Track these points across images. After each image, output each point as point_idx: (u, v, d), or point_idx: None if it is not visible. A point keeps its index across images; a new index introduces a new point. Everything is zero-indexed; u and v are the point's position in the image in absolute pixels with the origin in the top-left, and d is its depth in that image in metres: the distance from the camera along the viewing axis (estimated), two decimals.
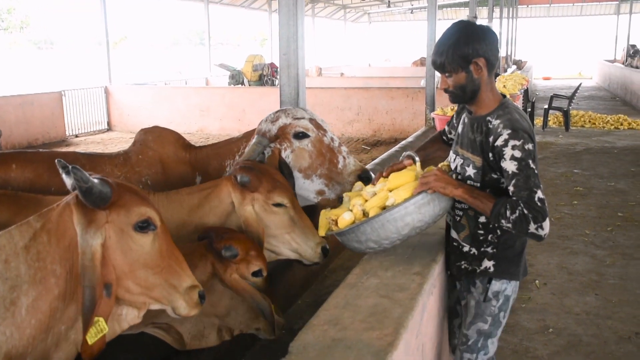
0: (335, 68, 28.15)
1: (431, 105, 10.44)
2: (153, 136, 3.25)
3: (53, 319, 1.89)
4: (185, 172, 3.33)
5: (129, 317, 2.09)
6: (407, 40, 45.78)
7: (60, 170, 2.07)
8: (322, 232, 2.66)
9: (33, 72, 40.19)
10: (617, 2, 32.54)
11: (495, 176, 2.42)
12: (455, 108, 2.82)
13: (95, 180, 1.91)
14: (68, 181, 2.05)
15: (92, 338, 1.88)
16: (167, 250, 2.10)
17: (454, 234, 2.67)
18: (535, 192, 2.24)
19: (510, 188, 2.29)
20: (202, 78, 21.20)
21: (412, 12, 35.20)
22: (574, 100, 13.99)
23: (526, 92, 13.98)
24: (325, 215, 2.66)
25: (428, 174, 2.41)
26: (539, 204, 2.23)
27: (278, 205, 2.87)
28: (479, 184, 2.46)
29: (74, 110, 14.94)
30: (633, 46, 26.39)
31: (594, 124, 14.58)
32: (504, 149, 2.30)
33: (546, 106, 13.79)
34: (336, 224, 2.56)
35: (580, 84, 16.20)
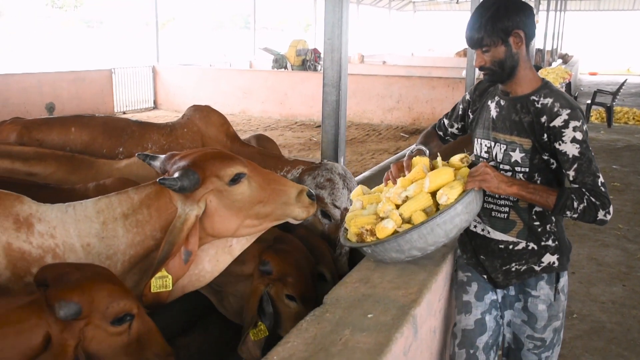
0: (377, 56, 28.16)
1: None
2: (201, 114, 3.48)
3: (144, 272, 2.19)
4: None
5: (240, 245, 2.38)
6: (451, 31, 45.30)
7: (144, 159, 2.41)
8: (352, 238, 2.37)
9: (83, 50, 41.21)
10: None
11: (545, 157, 2.27)
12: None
13: (181, 175, 2.13)
14: (156, 164, 2.36)
15: (155, 288, 2.11)
16: (264, 181, 2.29)
17: (498, 236, 2.42)
18: (598, 177, 2.15)
19: (571, 173, 2.18)
20: (246, 61, 21.55)
21: (457, 2, 34.80)
22: (618, 97, 13.84)
23: (568, 85, 13.89)
24: (355, 225, 2.36)
25: (477, 170, 2.23)
26: (602, 189, 2.14)
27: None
28: (527, 169, 2.30)
29: (122, 88, 15.44)
30: None
31: (638, 121, 14.39)
32: (563, 130, 2.16)
33: (589, 101, 13.68)
34: (371, 234, 2.29)
35: (626, 80, 15.98)
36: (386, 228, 2.24)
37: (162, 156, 2.37)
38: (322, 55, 19.81)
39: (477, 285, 2.55)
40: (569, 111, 2.17)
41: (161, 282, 2.11)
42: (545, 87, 2.28)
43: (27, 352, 1.71)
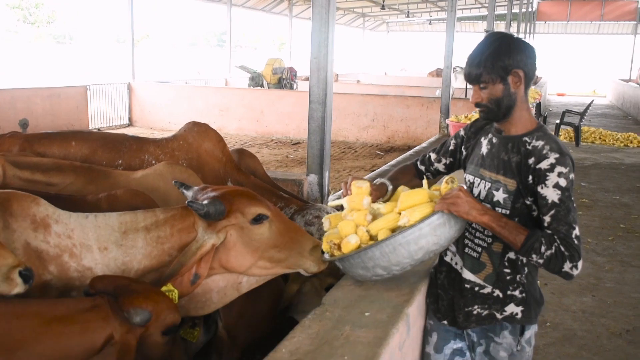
0: (351, 75, 28.57)
1: (446, 114, 10.82)
2: (198, 129, 3.63)
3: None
4: (218, 170, 3.63)
5: (248, 284, 2.50)
6: (424, 51, 46.20)
7: (179, 187, 2.58)
8: (325, 248, 2.40)
9: (53, 66, 40.94)
10: (635, 22, 32.81)
11: (528, 202, 2.19)
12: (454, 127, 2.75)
13: (209, 203, 2.29)
14: (188, 194, 2.52)
15: None
16: (284, 228, 2.43)
17: (467, 275, 2.35)
18: (574, 229, 2.08)
19: (546, 219, 2.11)
20: (222, 79, 21.67)
21: (430, 23, 35.61)
22: (585, 117, 14.30)
23: (538, 105, 14.34)
24: (326, 239, 2.38)
25: (450, 193, 2.17)
26: (576, 241, 2.07)
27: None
28: (508, 211, 2.22)
29: (98, 104, 15.46)
30: None
31: (604, 140, 14.86)
32: (548, 174, 2.10)
33: (558, 121, 14.11)
34: (339, 248, 2.28)
35: (592, 100, 16.51)
36: (349, 243, 2.23)
37: (196, 187, 2.54)
38: (297, 74, 20.04)
39: (437, 336, 2.50)
40: (557, 156, 2.11)
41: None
42: (539, 130, 2.23)
43: (89, 349, 1.95)
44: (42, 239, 2.23)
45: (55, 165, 3.27)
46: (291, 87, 18.65)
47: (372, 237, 2.25)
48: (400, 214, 2.25)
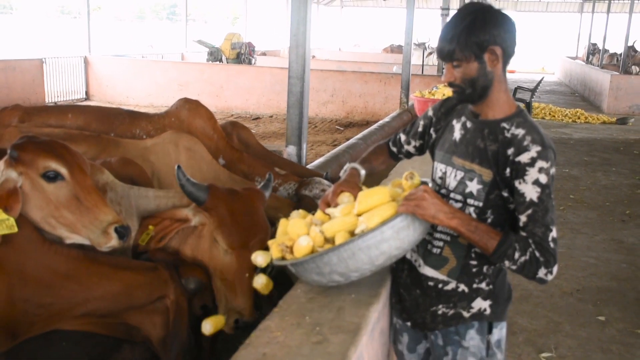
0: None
1: (406, 90, 11.13)
2: (190, 106, 3.76)
3: None
4: (210, 146, 3.69)
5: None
6: (378, 27, 46.43)
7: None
8: (275, 254, 2.11)
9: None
10: (581, 1, 33.75)
11: (504, 194, 2.01)
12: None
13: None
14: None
15: None
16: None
17: (427, 271, 2.18)
18: (551, 231, 1.92)
19: (522, 218, 1.94)
20: (178, 53, 21.48)
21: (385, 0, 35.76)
22: (536, 93, 14.87)
23: None
24: (275, 243, 2.14)
25: (414, 194, 1.96)
26: (552, 245, 1.91)
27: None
28: (481, 203, 2.04)
29: (54, 78, 15.20)
30: (594, 44, 27.55)
31: (554, 116, 15.50)
32: (528, 168, 1.91)
33: None
34: (291, 251, 2.05)
35: (543, 77, 17.13)
36: (300, 246, 2.00)
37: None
38: (256, 49, 19.98)
39: (408, 337, 2.38)
40: (539, 149, 1.91)
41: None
42: (519, 116, 2.02)
43: (144, 299, 2.41)
44: None
45: (67, 136, 3.44)
46: (249, 62, 18.66)
47: (328, 240, 2.02)
48: (357, 216, 2.02)
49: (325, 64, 20.11)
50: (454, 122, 2.18)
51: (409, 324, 2.32)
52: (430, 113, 2.33)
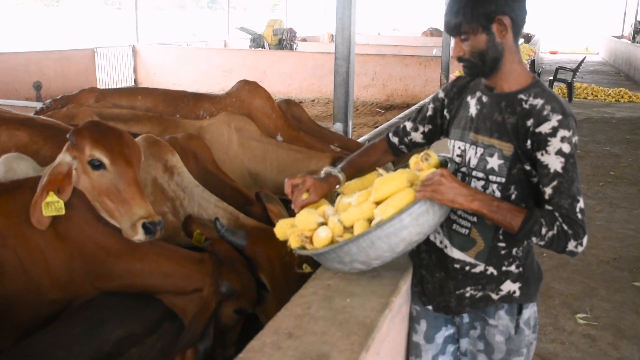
0: None
1: (446, 71, 11.31)
2: (250, 87, 4.08)
3: None
4: (268, 125, 4.00)
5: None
6: (417, 11, 46.25)
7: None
8: (294, 245, 2.08)
9: (44, 29, 40.89)
10: None
11: (527, 168, 1.93)
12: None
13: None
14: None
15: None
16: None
17: (455, 254, 2.11)
18: (578, 201, 1.84)
19: (547, 190, 1.86)
20: (221, 41, 21.96)
21: None
22: (578, 73, 14.82)
23: (532, 62, 14.81)
24: (288, 227, 2.13)
25: (431, 178, 1.89)
26: (579, 216, 1.83)
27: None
28: (503, 179, 1.96)
29: (104, 67, 15.82)
30: None
31: (596, 96, 15.42)
32: (550, 138, 1.83)
33: (551, 78, 14.62)
34: (311, 241, 2.04)
35: (585, 57, 17.00)
36: (319, 237, 1.99)
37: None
38: (297, 35, 20.30)
39: (426, 324, 2.29)
40: (560, 117, 1.83)
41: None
42: (536, 86, 1.94)
43: (182, 289, 2.50)
44: (166, 180, 2.87)
45: (133, 116, 3.83)
46: (291, 48, 19.00)
47: (347, 229, 2.01)
48: (375, 204, 1.98)
49: (365, 48, 20.28)
50: (469, 98, 2.10)
51: (430, 307, 2.24)
52: (442, 95, 2.24)
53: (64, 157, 2.44)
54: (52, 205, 2.31)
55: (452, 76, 10.04)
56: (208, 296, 2.46)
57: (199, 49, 18.22)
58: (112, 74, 16.14)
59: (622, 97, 15.18)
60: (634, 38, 26.27)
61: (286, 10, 26.01)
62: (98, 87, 15.26)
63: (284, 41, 18.61)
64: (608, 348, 3.95)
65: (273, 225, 2.27)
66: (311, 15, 41.20)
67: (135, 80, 16.95)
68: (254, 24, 22.76)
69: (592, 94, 15.54)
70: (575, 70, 14.44)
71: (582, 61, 15.23)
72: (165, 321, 2.50)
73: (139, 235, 2.36)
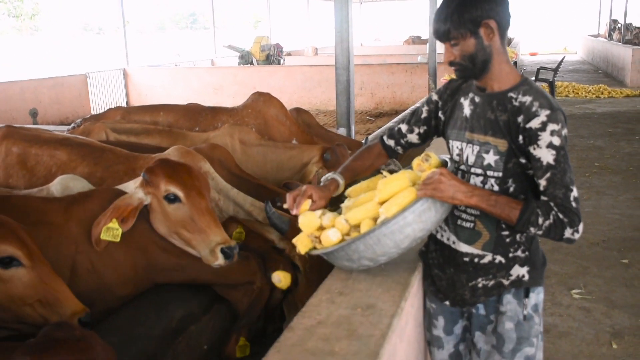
0: (329, 48, 29.15)
1: (434, 76, 11.75)
2: (264, 98, 4.46)
3: None
4: (283, 131, 4.39)
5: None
6: (396, 21, 46.93)
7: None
8: (303, 249, 2.22)
9: (26, 56, 41.18)
10: None
11: (522, 161, 2.05)
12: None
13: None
14: None
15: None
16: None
17: (463, 247, 2.21)
18: (571, 191, 1.96)
19: (542, 182, 1.97)
20: (208, 59, 22.32)
21: None
22: (558, 73, 15.33)
23: (514, 64, 15.28)
24: (307, 231, 2.23)
25: (431, 177, 2.02)
26: (574, 204, 1.95)
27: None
28: (500, 173, 2.08)
29: (97, 91, 16.12)
30: (615, 21, 27.70)
31: (577, 93, 15.96)
32: (540, 133, 1.95)
33: (533, 78, 15.12)
34: (320, 241, 2.18)
35: (564, 57, 17.58)
36: (329, 237, 2.13)
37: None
38: (283, 50, 20.67)
39: (444, 319, 2.41)
40: (548, 112, 1.95)
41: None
42: (524, 84, 2.07)
43: (235, 282, 2.82)
44: None
45: (144, 130, 4.18)
46: (278, 63, 19.41)
47: (353, 227, 2.15)
48: (379, 204, 2.12)
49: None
50: (462, 99, 2.22)
51: (447, 303, 2.34)
52: (435, 97, 2.36)
53: (137, 192, 2.67)
54: (111, 231, 2.50)
55: (443, 80, 10.47)
56: (262, 286, 2.81)
57: (188, 69, 18.58)
58: (104, 98, 16.44)
59: (602, 94, 15.73)
60: (610, 36, 26.97)
61: (270, 27, 26.45)
62: (91, 111, 15.65)
63: (272, 56, 19.03)
64: (601, 317, 4.33)
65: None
66: (293, 30, 41.74)
67: (127, 103, 17.22)
68: (238, 41, 23.18)
69: (573, 91, 16.07)
70: (555, 70, 14.94)
71: (561, 61, 15.75)
72: (217, 303, 2.86)
73: (219, 260, 2.57)
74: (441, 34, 2.07)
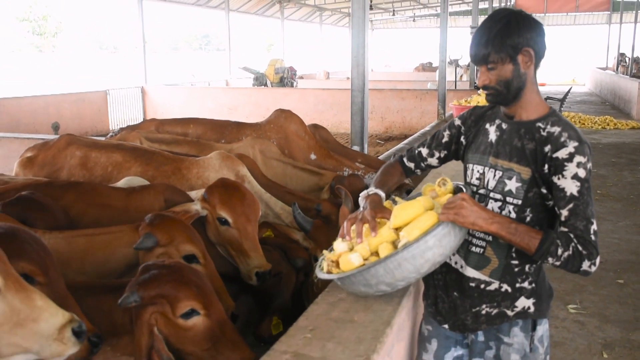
0: (340, 73, 29.81)
1: (443, 102, 12.16)
2: (285, 115, 4.82)
3: None
4: (303, 146, 4.72)
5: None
6: (407, 47, 47.67)
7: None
8: (321, 274, 2.21)
9: (45, 74, 42.01)
10: (609, 13, 34.25)
11: (543, 191, 2.05)
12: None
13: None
14: None
15: None
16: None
17: (470, 272, 2.21)
18: (592, 224, 1.97)
19: (564, 212, 1.97)
20: (222, 80, 22.87)
21: (414, 20, 36.89)
22: (565, 104, 15.69)
23: None
24: (327, 257, 2.24)
25: (453, 202, 2.01)
26: (593, 237, 1.96)
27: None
28: (520, 201, 2.09)
29: (116, 107, 16.68)
30: (623, 54, 28.15)
31: (583, 124, 16.27)
32: (566, 163, 1.95)
33: None
34: (337, 265, 2.17)
35: (571, 87, 17.95)
36: (349, 261, 2.10)
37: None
38: (297, 73, 21.20)
39: (437, 343, 2.38)
40: (576, 144, 1.96)
41: None
42: (553, 115, 2.09)
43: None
44: None
45: (174, 140, 4.56)
46: (292, 85, 19.93)
47: (372, 253, 2.14)
48: (394, 229, 2.13)
49: None
50: (487, 125, 2.24)
51: (446, 326, 2.33)
52: (458, 122, 2.38)
53: (196, 204, 3.10)
54: None
55: (452, 106, 10.87)
56: (288, 274, 3.20)
57: (204, 89, 19.09)
58: (123, 114, 16.95)
59: (608, 125, 16.04)
60: (617, 69, 27.38)
61: (283, 50, 27.06)
62: (110, 127, 16.14)
63: (285, 79, 19.55)
64: (595, 330, 4.62)
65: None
66: (305, 54, 42.48)
67: (144, 119, 17.72)
68: (251, 64, 23.77)
69: (579, 122, 16.39)
70: (562, 100, 15.30)
71: (568, 91, 16.12)
72: (242, 295, 3.19)
73: (252, 282, 3.00)
74: (480, 57, 2.08)
